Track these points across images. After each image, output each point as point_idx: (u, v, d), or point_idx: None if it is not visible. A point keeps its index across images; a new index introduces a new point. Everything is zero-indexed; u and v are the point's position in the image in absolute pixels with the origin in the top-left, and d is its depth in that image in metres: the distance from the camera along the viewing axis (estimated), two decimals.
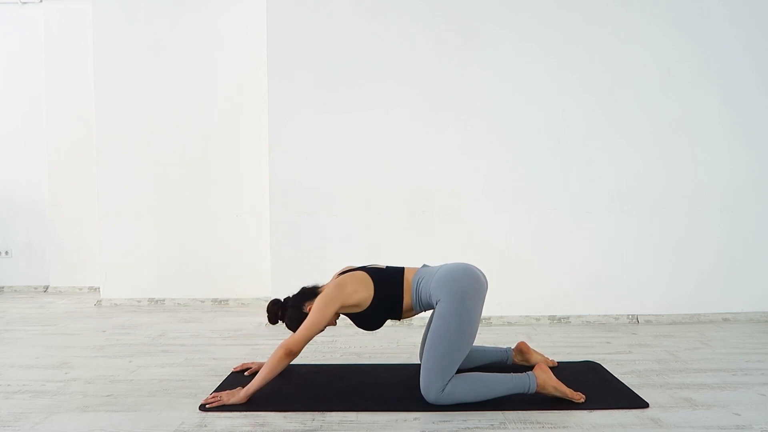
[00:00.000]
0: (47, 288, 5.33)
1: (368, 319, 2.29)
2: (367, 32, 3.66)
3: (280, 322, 2.42)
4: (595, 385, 2.31)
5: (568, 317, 3.64)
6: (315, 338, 3.21)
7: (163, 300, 4.55)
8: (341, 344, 3.12)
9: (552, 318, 3.64)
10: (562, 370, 2.54)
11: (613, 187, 3.64)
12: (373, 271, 2.30)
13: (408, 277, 2.30)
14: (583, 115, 3.64)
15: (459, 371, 2.44)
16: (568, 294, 3.64)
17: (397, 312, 2.29)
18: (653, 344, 3.05)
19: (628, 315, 3.63)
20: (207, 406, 2.11)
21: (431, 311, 2.26)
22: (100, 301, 4.55)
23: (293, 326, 2.31)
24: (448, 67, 3.64)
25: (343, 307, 2.22)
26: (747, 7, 3.62)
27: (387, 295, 2.25)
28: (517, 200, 3.65)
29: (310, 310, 2.26)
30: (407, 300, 2.27)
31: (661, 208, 3.64)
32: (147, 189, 4.55)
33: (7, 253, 5.41)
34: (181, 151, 4.54)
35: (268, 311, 2.41)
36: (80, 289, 5.27)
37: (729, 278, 3.64)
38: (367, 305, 2.24)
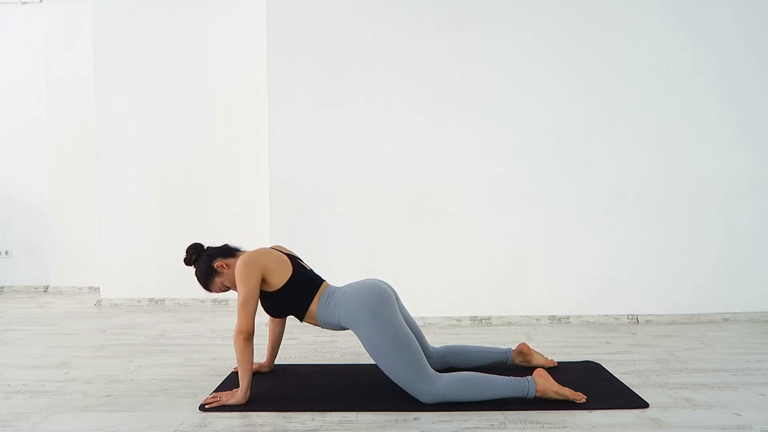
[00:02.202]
0: (47, 288, 5.33)
1: (271, 302, 2.26)
2: (367, 31, 3.66)
3: (192, 266, 2.39)
4: (595, 385, 2.31)
5: (568, 317, 3.64)
6: (315, 338, 3.23)
7: (163, 300, 4.55)
8: (341, 344, 3.12)
9: (552, 318, 3.64)
10: (562, 370, 2.54)
11: (613, 187, 3.64)
12: (297, 266, 2.29)
13: (322, 290, 2.29)
14: (584, 115, 3.64)
15: (457, 369, 2.44)
16: (568, 294, 3.64)
17: (300, 312, 2.27)
18: (653, 344, 3.05)
19: (628, 315, 3.63)
20: (207, 406, 2.11)
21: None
22: (100, 301, 4.55)
23: (199, 274, 2.32)
24: (449, 63, 3.64)
25: (266, 282, 2.21)
26: (749, 7, 3.61)
27: (298, 294, 2.24)
28: (517, 199, 3.65)
29: (217, 266, 2.28)
30: (313, 308, 2.26)
31: (662, 208, 3.64)
32: (147, 189, 4.55)
33: (7, 253, 5.41)
34: (180, 150, 4.54)
35: (186, 251, 2.37)
36: (80, 289, 5.27)
37: (729, 278, 3.64)
38: (274, 289, 2.22)
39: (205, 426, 1.96)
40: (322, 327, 2.30)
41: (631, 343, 3.10)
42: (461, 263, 3.64)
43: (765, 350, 2.90)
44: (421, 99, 3.65)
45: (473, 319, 3.63)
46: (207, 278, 2.32)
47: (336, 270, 3.36)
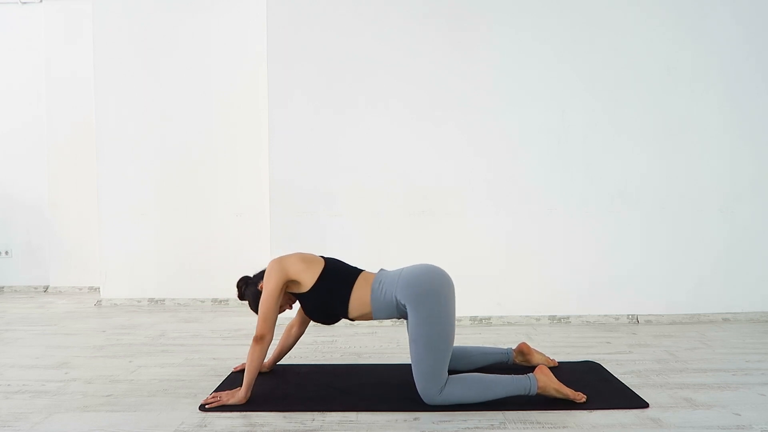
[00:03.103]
0: (47, 288, 5.33)
1: (309, 303, 2.25)
2: (367, 31, 3.66)
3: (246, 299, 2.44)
4: (595, 385, 2.31)
5: (568, 317, 3.64)
6: (315, 338, 3.23)
7: (163, 300, 4.55)
8: (341, 344, 3.12)
9: (552, 318, 3.64)
10: (562, 370, 2.54)
11: (613, 186, 3.64)
12: (330, 261, 2.31)
13: (367, 278, 2.24)
14: (584, 115, 3.64)
15: (459, 372, 2.44)
16: (568, 294, 3.64)
17: (342, 306, 2.21)
18: (653, 344, 3.05)
19: (628, 315, 3.63)
20: (207, 406, 2.11)
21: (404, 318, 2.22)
22: (100, 301, 4.55)
23: (250, 301, 2.37)
24: (449, 63, 3.64)
25: (287, 279, 2.20)
26: (749, 7, 3.61)
27: (333, 285, 2.22)
28: (517, 200, 3.65)
29: (260, 287, 2.30)
30: (358, 297, 2.20)
31: (662, 208, 3.64)
32: (147, 189, 4.55)
33: (7, 253, 5.41)
34: (180, 150, 4.54)
35: (236, 286, 2.44)
36: (80, 289, 5.27)
37: (729, 278, 3.64)
38: (308, 288, 2.21)
39: (205, 426, 1.96)
40: (375, 317, 2.22)
41: (631, 343, 3.10)
42: (461, 263, 3.63)
43: (765, 350, 2.90)
44: (421, 99, 3.65)
45: (473, 319, 3.63)
46: (257, 302, 2.30)
47: None
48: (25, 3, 5.27)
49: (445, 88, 3.65)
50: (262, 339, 2.14)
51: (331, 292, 2.22)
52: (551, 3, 3.63)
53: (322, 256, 2.35)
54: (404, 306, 2.14)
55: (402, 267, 2.29)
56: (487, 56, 3.64)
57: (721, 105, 3.63)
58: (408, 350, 2.94)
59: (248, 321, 3.82)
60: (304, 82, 3.66)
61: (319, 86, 3.66)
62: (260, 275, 2.39)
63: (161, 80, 4.54)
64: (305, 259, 2.27)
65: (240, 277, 2.47)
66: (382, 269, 2.32)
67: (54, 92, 5.19)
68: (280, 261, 2.24)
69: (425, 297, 2.09)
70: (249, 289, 2.39)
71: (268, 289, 2.18)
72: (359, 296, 2.21)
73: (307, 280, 2.22)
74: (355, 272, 2.29)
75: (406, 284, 2.13)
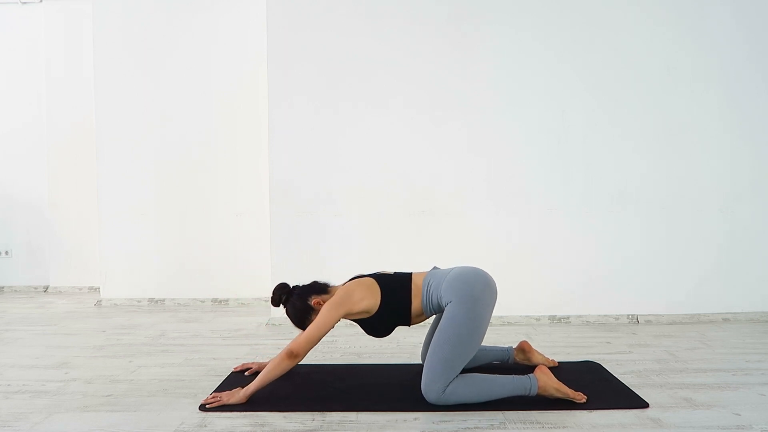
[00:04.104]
0: (47, 288, 5.33)
1: (376, 325, 2.29)
2: (367, 31, 3.66)
3: (281, 306, 2.39)
4: (595, 385, 2.31)
5: (568, 317, 3.64)
6: None
7: (163, 300, 4.55)
8: (341, 344, 3.12)
9: (552, 318, 3.64)
10: (562, 370, 2.54)
11: (613, 186, 3.64)
12: (380, 278, 2.29)
13: (417, 281, 2.28)
14: (584, 115, 3.64)
15: (461, 372, 2.44)
16: (568, 294, 3.64)
17: (405, 317, 2.27)
18: (653, 344, 3.05)
19: (628, 315, 3.63)
20: (207, 406, 2.11)
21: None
22: (100, 301, 4.55)
23: (292, 313, 2.32)
24: (449, 63, 3.64)
25: (349, 314, 2.21)
26: (749, 7, 3.61)
27: (394, 300, 2.24)
28: (517, 200, 3.65)
29: (314, 303, 2.27)
30: (416, 304, 2.26)
31: (662, 208, 3.64)
32: (147, 189, 4.55)
33: (7, 253, 5.41)
34: (180, 150, 4.54)
35: (273, 292, 2.37)
36: (80, 289, 5.27)
37: (729, 278, 3.64)
38: (374, 311, 2.24)
39: (205, 426, 1.96)
40: (428, 316, 2.30)
41: (631, 343, 3.10)
42: (461, 263, 3.61)
43: (765, 350, 2.90)
44: (421, 99, 3.65)
45: None
46: (303, 316, 2.29)
47: (336, 270, 3.35)
48: (25, 3, 5.27)
49: (445, 88, 3.65)
50: (296, 357, 2.13)
51: (394, 310, 2.25)
52: (551, 3, 3.63)
53: (367, 275, 2.33)
54: (446, 304, 2.17)
55: (453, 267, 2.32)
56: (487, 56, 3.64)
57: (721, 105, 3.63)
58: (408, 351, 2.95)
59: (248, 321, 3.82)
60: (304, 82, 3.66)
61: (319, 86, 3.66)
62: (307, 290, 2.33)
63: (161, 80, 4.54)
64: (365, 285, 2.24)
65: (279, 283, 2.39)
66: (435, 267, 2.39)
67: (54, 92, 5.19)
68: (350, 297, 2.20)
69: (467, 298, 2.13)
70: (296, 299, 2.32)
71: (329, 319, 2.15)
72: (416, 305, 2.26)
73: (372, 306, 2.23)
74: (407, 281, 2.29)
75: (450, 284, 2.18)
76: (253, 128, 4.48)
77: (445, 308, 2.16)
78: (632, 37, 3.63)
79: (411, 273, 2.34)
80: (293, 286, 2.39)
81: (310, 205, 3.67)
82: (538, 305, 3.65)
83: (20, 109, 5.34)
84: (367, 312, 2.24)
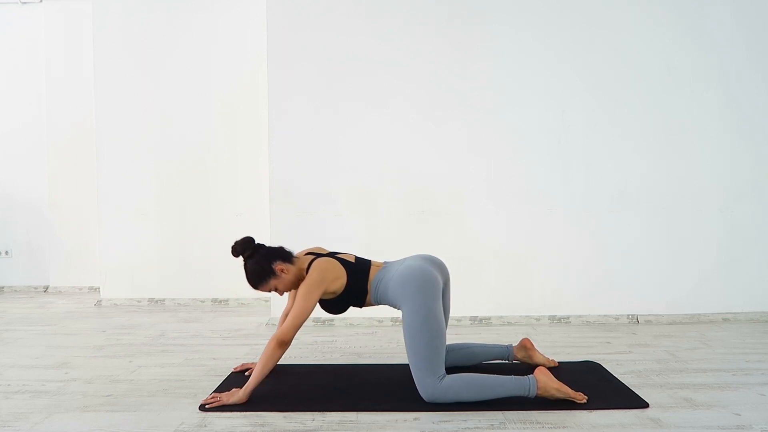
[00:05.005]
0: (47, 288, 5.33)
1: (335, 304, 2.36)
2: (367, 31, 3.66)
3: (240, 258, 2.32)
4: (595, 385, 2.31)
5: (568, 317, 3.64)
6: (315, 338, 3.23)
7: (163, 300, 4.55)
8: (341, 344, 3.12)
9: (552, 318, 3.64)
10: (562, 370, 2.54)
11: (613, 186, 3.64)
12: (345, 263, 2.34)
13: (371, 275, 2.36)
14: (584, 115, 3.64)
15: (460, 369, 2.45)
16: (568, 294, 3.64)
17: (360, 302, 2.38)
18: (653, 344, 3.05)
19: (628, 315, 3.63)
20: (207, 406, 2.11)
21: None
22: (100, 301, 4.55)
23: (252, 271, 2.26)
24: (449, 63, 3.64)
25: (325, 293, 2.27)
26: (749, 7, 3.61)
27: (356, 287, 2.32)
28: (517, 200, 3.65)
29: (277, 269, 2.26)
30: (369, 295, 2.37)
31: (662, 207, 3.64)
32: (147, 189, 4.56)
33: (7, 253, 5.41)
34: (180, 150, 4.54)
35: (236, 242, 2.29)
36: (80, 289, 5.27)
37: (729, 278, 3.64)
38: (338, 294, 2.31)
39: (205, 426, 1.96)
40: (375, 305, 2.40)
41: (631, 343, 3.10)
42: (461, 263, 3.63)
43: (765, 350, 2.90)
44: (421, 99, 3.65)
45: (473, 319, 3.63)
46: (262, 277, 2.27)
47: None
48: (25, 3, 5.27)
49: (445, 88, 3.65)
50: (287, 344, 2.14)
51: (354, 294, 2.34)
52: (551, 3, 3.64)
53: (329, 254, 2.38)
54: (399, 307, 2.26)
55: (404, 259, 2.40)
56: (487, 56, 3.64)
57: (721, 105, 3.63)
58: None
59: (248, 321, 3.82)
60: (304, 82, 3.66)
61: (319, 86, 3.66)
62: (274, 253, 2.30)
63: (161, 80, 4.54)
64: (335, 268, 2.29)
65: (245, 237, 2.31)
66: (386, 262, 2.45)
67: (54, 92, 5.19)
68: (326, 276, 2.24)
69: (410, 295, 2.18)
70: (258, 258, 2.27)
71: (310, 301, 2.18)
72: (369, 295, 2.37)
73: (337, 288, 2.30)
74: (366, 272, 2.36)
75: (394, 291, 2.25)
76: (253, 128, 4.48)
77: (402, 312, 2.23)
78: (632, 37, 3.63)
79: (370, 263, 2.41)
80: (258, 244, 2.35)
81: (310, 205, 3.67)
82: (538, 305, 3.65)
83: (20, 109, 5.33)
84: (333, 293, 2.30)
